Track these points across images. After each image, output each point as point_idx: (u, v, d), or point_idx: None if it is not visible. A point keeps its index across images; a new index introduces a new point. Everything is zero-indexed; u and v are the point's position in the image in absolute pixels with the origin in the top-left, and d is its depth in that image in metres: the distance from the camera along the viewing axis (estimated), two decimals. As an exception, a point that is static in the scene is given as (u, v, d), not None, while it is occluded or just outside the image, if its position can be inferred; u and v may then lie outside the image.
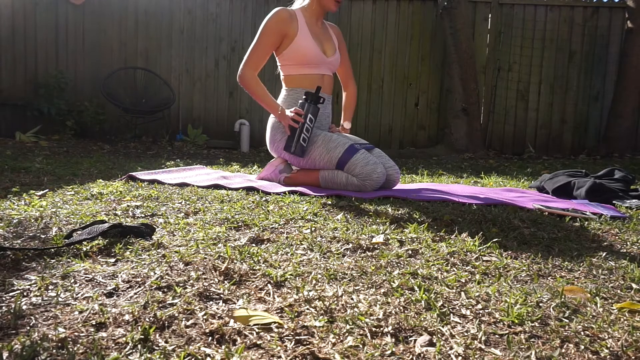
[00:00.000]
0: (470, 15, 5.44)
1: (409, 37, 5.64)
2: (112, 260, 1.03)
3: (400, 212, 1.66)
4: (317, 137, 2.24)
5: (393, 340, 0.71)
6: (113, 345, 0.67)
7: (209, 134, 5.85)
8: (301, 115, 2.21)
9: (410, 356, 0.67)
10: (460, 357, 0.67)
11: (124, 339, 0.68)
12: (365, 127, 5.77)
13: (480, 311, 0.83)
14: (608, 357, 0.68)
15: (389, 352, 0.68)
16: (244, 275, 0.95)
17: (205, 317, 0.76)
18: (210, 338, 0.70)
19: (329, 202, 1.80)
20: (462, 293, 0.91)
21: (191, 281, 0.91)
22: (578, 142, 5.53)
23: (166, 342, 0.68)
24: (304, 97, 2.26)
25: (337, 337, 0.71)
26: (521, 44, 5.50)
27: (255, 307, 0.81)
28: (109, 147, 4.78)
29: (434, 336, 0.73)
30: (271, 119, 2.41)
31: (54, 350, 0.64)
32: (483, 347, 0.70)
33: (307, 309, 0.81)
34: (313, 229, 1.37)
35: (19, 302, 0.78)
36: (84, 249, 1.10)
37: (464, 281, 0.98)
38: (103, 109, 5.64)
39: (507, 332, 0.76)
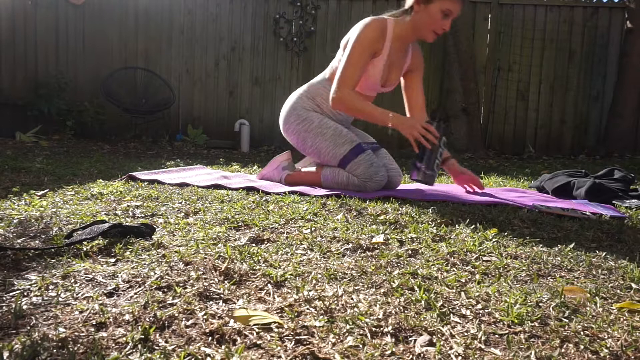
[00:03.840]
0: (470, 15, 5.44)
1: (409, 37, 5.64)
2: (112, 260, 1.04)
3: (400, 212, 1.66)
4: (329, 128, 2.20)
5: (393, 340, 0.71)
6: (113, 345, 0.67)
7: (209, 134, 5.85)
8: (436, 138, 1.95)
9: (410, 356, 0.67)
10: (460, 357, 0.67)
11: (124, 338, 0.68)
12: (366, 126, 5.77)
13: (480, 311, 0.83)
14: (607, 356, 0.69)
15: (389, 352, 0.68)
16: (244, 275, 0.95)
17: (205, 317, 0.76)
18: (210, 338, 0.70)
19: (329, 202, 1.80)
20: (462, 293, 0.91)
21: (191, 281, 0.91)
22: (578, 142, 5.53)
23: (166, 342, 0.68)
24: (431, 117, 2.05)
25: (337, 337, 0.71)
26: (521, 44, 5.51)
27: (255, 307, 0.81)
28: (109, 147, 4.78)
29: (434, 336, 0.73)
30: (292, 99, 2.32)
31: (54, 350, 0.64)
32: (483, 347, 0.71)
33: (307, 309, 0.81)
34: (313, 229, 1.37)
35: (19, 301, 0.78)
36: (84, 249, 1.10)
37: (464, 281, 0.98)
38: (103, 109, 5.64)
39: (507, 332, 0.76)
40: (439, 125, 1.97)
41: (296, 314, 0.79)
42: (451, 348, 0.69)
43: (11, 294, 0.84)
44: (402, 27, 2.13)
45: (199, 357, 0.64)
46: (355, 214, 1.62)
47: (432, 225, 1.48)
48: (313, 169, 2.32)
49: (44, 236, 1.20)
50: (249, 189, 2.11)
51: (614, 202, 2.08)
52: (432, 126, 1.97)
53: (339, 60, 2.23)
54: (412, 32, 2.12)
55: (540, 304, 0.87)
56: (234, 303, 0.83)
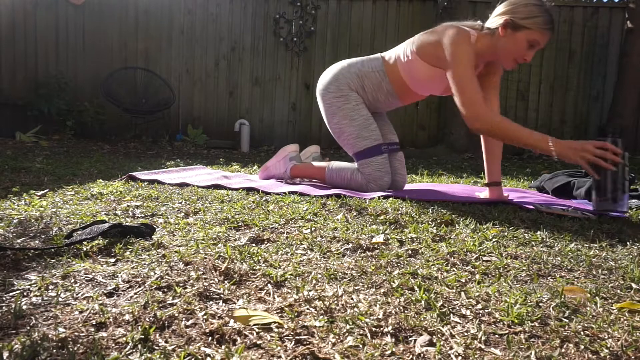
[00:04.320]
0: (470, 15, 5.44)
1: (409, 37, 5.64)
2: (112, 260, 1.04)
3: (400, 212, 1.66)
4: (361, 116, 2.18)
5: (393, 340, 0.71)
6: (113, 345, 0.67)
7: (209, 134, 5.86)
8: (618, 155, 1.68)
9: (410, 356, 0.67)
10: (460, 357, 0.67)
11: (124, 338, 0.68)
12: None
13: (480, 311, 0.83)
14: (608, 357, 0.69)
15: (389, 352, 0.68)
16: (244, 275, 0.95)
17: (205, 317, 0.76)
18: (210, 338, 0.70)
19: (329, 202, 1.80)
20: (462, 293, 0.91)
21: (191, 281, 0.91)
22: (578, 142, 5.53)
23: (166, 342, 0.68)
24: (600, 133, 1.74)
25: (337, 337, 0.71)
26: (521, 44, 5.50)
27: (255, 307, 0.81)
28: (109, 147, 4.78)
29: (434, 336, 0.73)
30: (339, 66, 2.24)
31: (54, 350, 0.64)
32: (483, 347, 0.71)
33: (307, 309, 0.81)
34: (313, 229, 1.37)
35: (19, 302, 0.78)
36: (84, 249, 1.10)
37: (464, 281, 0.98)
38: (103, 109, 5.65)
39: (507, 332, 0.76)
40: (615, 140, 1.70)
41: (296, 314, 0.79)
42: (451, 348, 0.69)
43: (11, 294, 0.84)
44: (483, 44, 1.97)
45: (199, 357, 0.64)
46: (355, 214, 1.62)
47: (432, 225, 1.48)
48: (319, 163, 2.33)
49: (44, 236, 1.20)
50: (249, 189, 2.11)
51: (614, 202, 2.07)
52: (608, 143, 1.69)
53: (404, 50, 2.13)
54: (490, 52, 1.97)
55: (540, 304, 0.87)
56: (234, 303, 0.83)
